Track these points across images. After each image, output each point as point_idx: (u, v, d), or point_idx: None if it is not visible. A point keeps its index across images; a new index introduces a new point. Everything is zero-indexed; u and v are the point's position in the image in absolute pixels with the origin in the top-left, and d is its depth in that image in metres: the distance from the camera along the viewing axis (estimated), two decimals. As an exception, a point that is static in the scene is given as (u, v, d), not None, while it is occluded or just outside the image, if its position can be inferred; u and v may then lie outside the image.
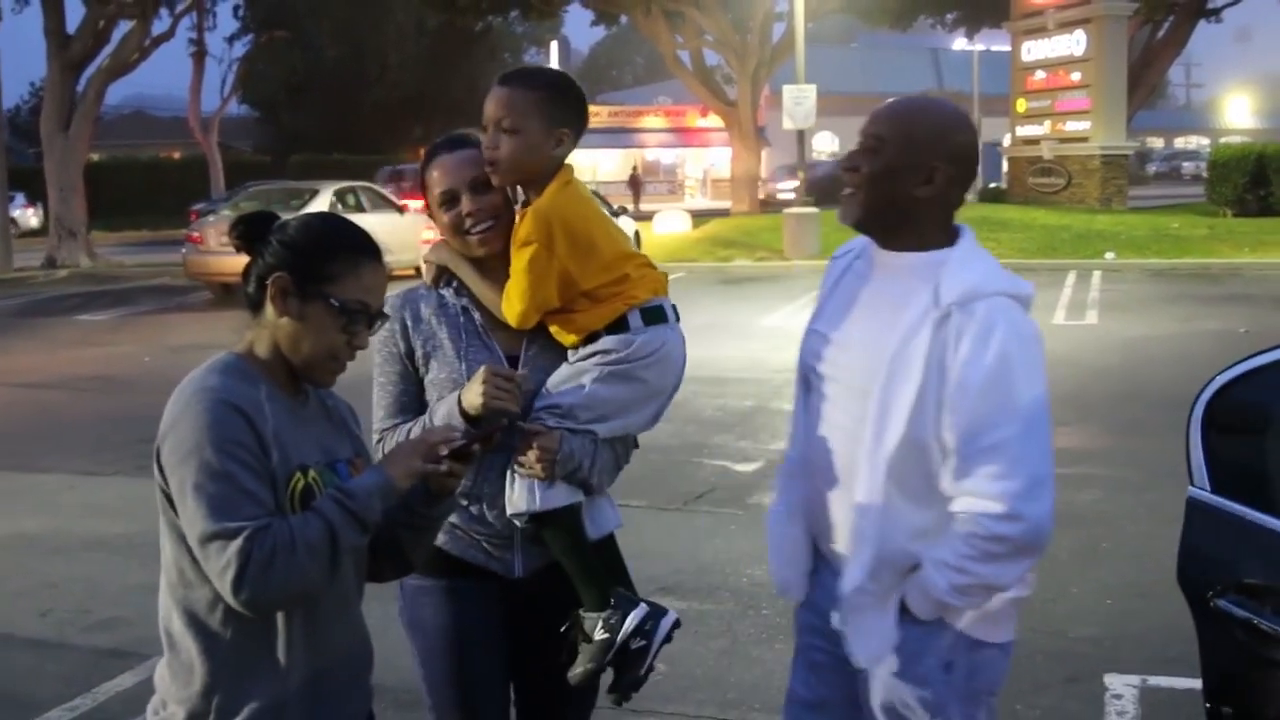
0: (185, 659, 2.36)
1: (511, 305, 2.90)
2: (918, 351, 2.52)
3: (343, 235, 2.47)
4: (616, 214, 23.71)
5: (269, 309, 2.40)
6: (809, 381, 2.83)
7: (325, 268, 2.39)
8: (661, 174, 66.38)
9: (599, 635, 2.95)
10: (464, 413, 2.83)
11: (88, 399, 12.86)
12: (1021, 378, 2.50)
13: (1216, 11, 40.15)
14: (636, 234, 24.68)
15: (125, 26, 32.03)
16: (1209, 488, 2.81)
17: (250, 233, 2.45)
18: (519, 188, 2.98)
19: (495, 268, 2.95)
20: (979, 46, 52.18)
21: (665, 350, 2.98)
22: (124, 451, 9.84)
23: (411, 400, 3.00)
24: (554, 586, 2.97)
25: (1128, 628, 5.72)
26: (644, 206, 48.23)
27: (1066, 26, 33.01)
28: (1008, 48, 36.93)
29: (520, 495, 2.88)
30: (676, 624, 3.05)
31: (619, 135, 63.49)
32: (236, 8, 53.64)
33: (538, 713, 3.18)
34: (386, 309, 2.77)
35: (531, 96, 2.88)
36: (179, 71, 50.38)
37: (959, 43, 54.26)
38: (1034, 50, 34.40)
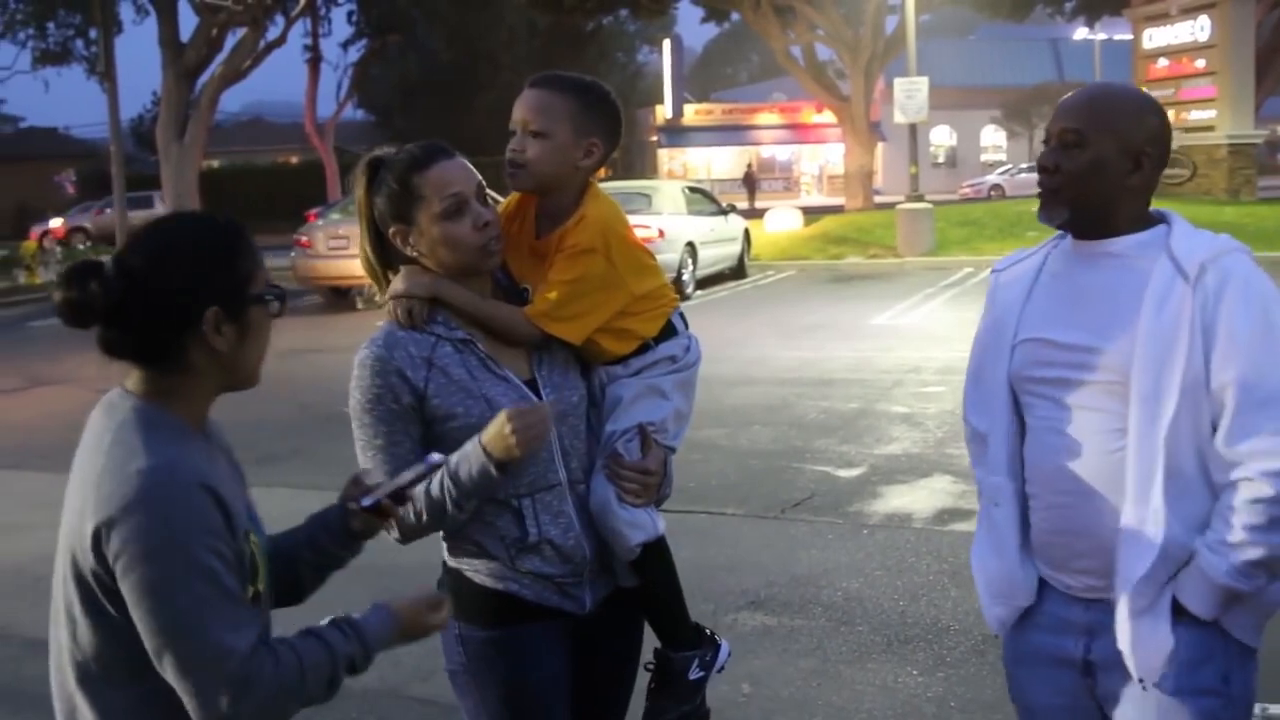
0: None
1: (568, 317, 2.71)
2: (1179, 322, 2.44)
3: (231, 235, 2.18)
4: (725, 212, 23.39)
5: (194, 352, 2.11)
6: (1031, 396, 2.67)
7: (240, 272, 2.14)
8: (777, 171, 66.00)
9: (694, 674, 2.85)
10: (498, 463, 2.55)
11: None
12: None
13: (1350, -7, 38.74)
14: (746, 232, 24.31)
15: (239, 34, 32.52)
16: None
17: (82, 283, 2.07)
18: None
19: (480, 285, 2.74)
20: (1099, 35, 51.19)
21: (700, 354, 2.94)
22: (219, 458, 9.80)
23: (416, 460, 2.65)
24: (612, 615, 2.86)
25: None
26: (759, 204, 47.97)
27: (1190, 12, 32.07)
28: (1129, 36, 36.03)
29: (633, 524, 2.73)
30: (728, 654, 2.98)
31: (733, 133, 63.30)
32: (350, 13, 54.12)
33: None
34: (369, 359, 2.64)
35: (561, 101, 2.73)
36: (296, 78, 51.14)
37: (1079, 32, 53.27)
38: (1156, 37, 33.48)
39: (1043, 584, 2.68)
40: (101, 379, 2.33)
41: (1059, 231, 2.72)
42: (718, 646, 2.92)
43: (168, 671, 1.97)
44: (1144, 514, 2.43)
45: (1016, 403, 2.70)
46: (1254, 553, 2.37)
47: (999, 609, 2.74)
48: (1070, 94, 2.68)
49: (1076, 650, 2.62)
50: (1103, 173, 2.55)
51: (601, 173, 2.86)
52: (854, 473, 8.65)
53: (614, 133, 2.80)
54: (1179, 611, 2.46)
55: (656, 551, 2.78)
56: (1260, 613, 2.50)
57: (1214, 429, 2.43)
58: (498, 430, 2.53)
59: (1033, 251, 2.80)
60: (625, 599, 2.86)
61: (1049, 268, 2.72)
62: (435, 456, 2.39)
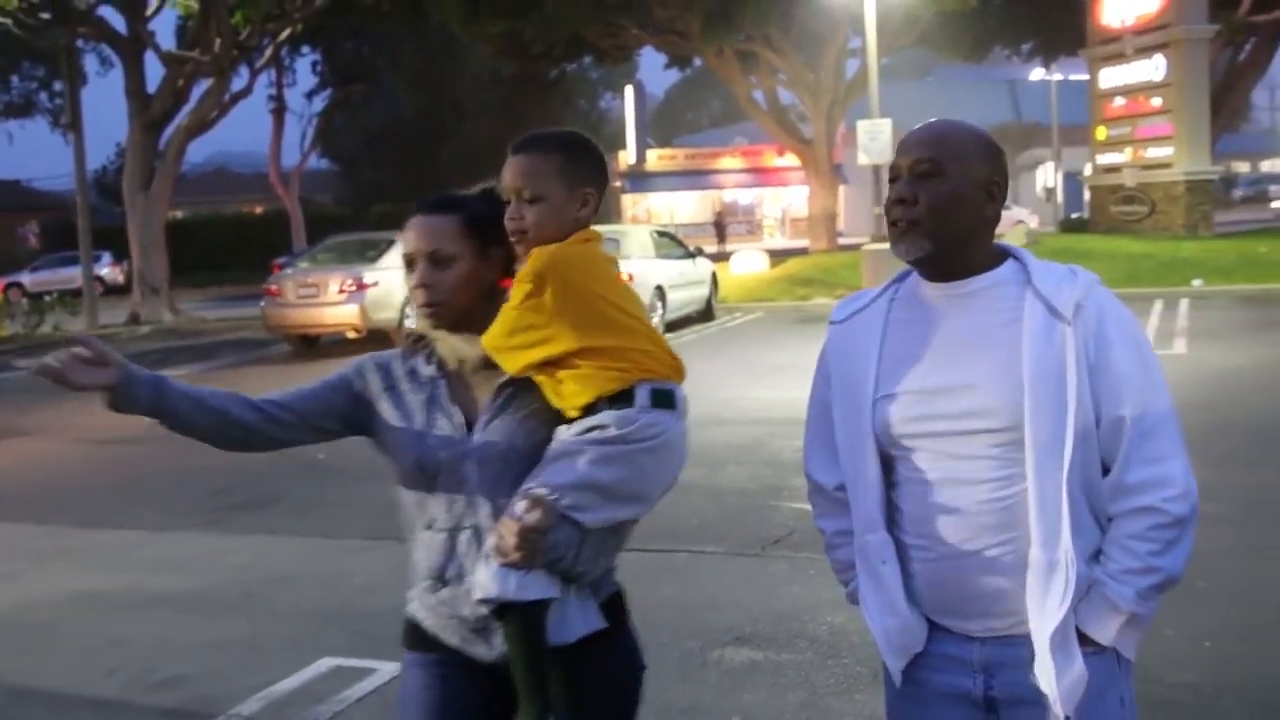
0: None
1: (504, 347, 2.71)
2: (1065, 365, 2.43)
3: None
4: (692, 255, 23.54)
5: None
6: (906, 450, 2.57)
7: None
8: (740, 214, 66.29)
9: None
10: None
11: (163, 453, 12.83)
12: (1151, 353, 2.54)
13: (1300, 32, 39.44)
14: (714, 275, 24.46)
15: (205, 85, 32.56)
16: (1311, 528, 2.59)
17: None
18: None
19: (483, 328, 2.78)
20: (1056, 76, 51.71)
21: (666, 439, 2.71)
22: (196, 505, 9.85)
23: (313, 407, 2.89)
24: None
25: (1229, 674, 5.42)
26: (726, 247, 48.27)
27: (1145, 51, 32.62)
28: (1085, 76, 36.55)
29: (491, 579, 2.60)
30: None
31: (696, 177, 63.56)
32: (314, 63, 54.31)
33: None
34: (355, 366, 2.89)
35: (550, 161, 2.74)
36: (260, 128, 51.23)
37: (1036, 73, 53.81)
38: (1112, 77, 34.04)
39: (930, 626, 2.63)
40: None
41: (896, 274, 2.70)
42: None
43: None
44: (1054, 556, 2.42)
45: (880, 456, 2.61)
46: (1155, 578, 2.44)
47: (899, 661, 2.66)
48: (914, 129, 2.61)
49: (976, 688, 2.58)
50: (963, 203, 2.51)
51: None
52: (831, 509, 8.70)
53: (604, 177, 2.83)
54: (1082, 641, 2.48)
55: (509, 617, 2.64)
56: (1143, 629, 2.54)
57: (1103, 463, 2.47)
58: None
59: (870, 298, 2.71)
60: (565, 657, 2.71)
61: (896, 315, 2.64)
62: None
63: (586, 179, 2.77)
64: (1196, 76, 32.23)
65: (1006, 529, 2.47)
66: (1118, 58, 33.61)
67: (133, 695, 5.99)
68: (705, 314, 23.63)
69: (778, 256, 34.50)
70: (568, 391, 2.67)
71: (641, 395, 2.68)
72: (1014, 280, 2.53)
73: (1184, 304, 20.93)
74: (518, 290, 2.69)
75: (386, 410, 2.85)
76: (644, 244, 21.74)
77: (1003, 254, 2.59)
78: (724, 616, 6.51)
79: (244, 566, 8.11)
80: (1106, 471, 2.48)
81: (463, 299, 2.77)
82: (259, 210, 61.11)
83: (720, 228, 56.91)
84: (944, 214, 2.50)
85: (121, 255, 40.54)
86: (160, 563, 8.43)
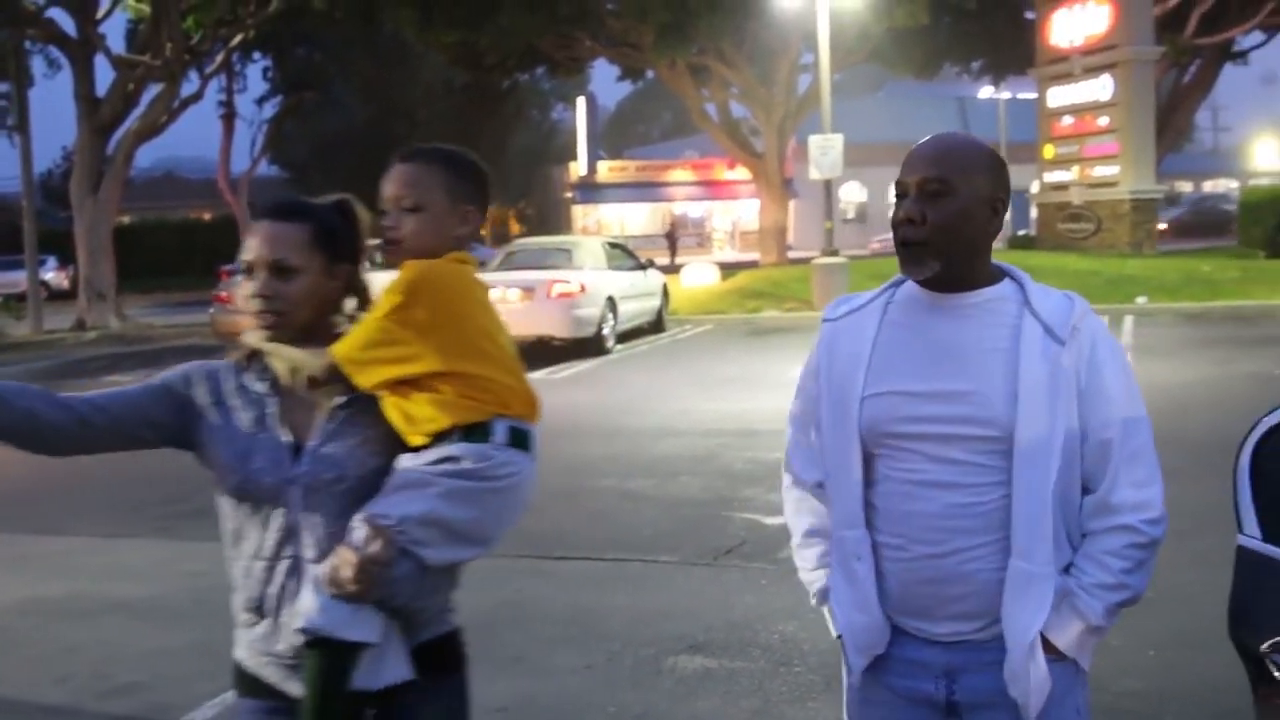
0: None
1: (359, 360, 2.57)
2: (1058, 382, 2.49)
3: None
4: (644, 267, 23.60)
5: None
6: (891, 449, 2.60)
7: None
8: (690, 227, 66.47)
9: None
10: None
11: (112, 461, 12.72)
12: (1135, 379, 2.63)
13: (1243, 54, 40.20)
14: (665, 287, 24.54)
15: (155, 89, 32.35)
16: (1259, 535, 2.66)
17: None
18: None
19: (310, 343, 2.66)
20: (1005, 94, 52.27)
21: (518, 481, 2.62)
22: (146, 513, 9.78)
23: (129, 413, 2.66)
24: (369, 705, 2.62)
25: (1174, 681, 5.54)
26: (678, 259, 48.39)
27: (1093, 71, 33.00)
28: (1034, 94, 36.95)
29: (317, 609, 2.47)
30: None
31: (647, 189, 63.71)
32: (266, 69, 54.04)
33: None
34: (182, 373, 2.72)
35: (433, 172, 2.70)
36: (210, 134, 50.88)
37: (985, 90, 54.36)
38: (1060, 96, 34.41)
39: (893, 630, 2.66)
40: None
41: (893, 279, 2.72)
42: None
43: None
44: (1033, 567, 2.48)
45: (862, 454, 2.64)
46: (1124, 594, 2.53)
47: (862, 660, 2.69)
48: (919, 144, 2.64)
49: (938, 692, 2.61)
50: (970, 220, 2.54)
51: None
52: (782, 520, 8.72)
53: (486, 199, 2.78)
54: (1045, 648, 2.53)
55: (319, 651, 2.50)
56: (1099, 639, 2.61)
57: (1082, 480, 2.55)
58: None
59: (866, 300, 2.73)
60: (400, 698, 2.60)
61: (891, 318, 2.66)
62: None
63: (469, 196, 2.73)
64: (1143, 97, 32.65)
65: (981, 534, 2.53)
66: (1065, 77, 33.99)
67: (85, 702, 5.97)
68: (656, 326, 23.68)
69: (728, 269, 34.61)
70: (420, 415, 2.55)
71: (500, 431, 2.59)
72: (1012, 298, 2.59)
73: (1129, 321, 21.19)
74: (386, 300, 2.58)
75: (212, 425, 2.67)
76: (596, 255, 21.78)
77: (1000, 272, 2.64)
78: (677, 625, 6.56)
79: (196, 574, 8.06)
80: (1084, 491, 2.57)
81: (303, 314, 2.63)
82: (207, 216, 60.69)
83: (673, 240, 57.06)
84: (952, 232, 2.53)
85: (67, 260, 40.11)
86: (112, 570, 8.39)
